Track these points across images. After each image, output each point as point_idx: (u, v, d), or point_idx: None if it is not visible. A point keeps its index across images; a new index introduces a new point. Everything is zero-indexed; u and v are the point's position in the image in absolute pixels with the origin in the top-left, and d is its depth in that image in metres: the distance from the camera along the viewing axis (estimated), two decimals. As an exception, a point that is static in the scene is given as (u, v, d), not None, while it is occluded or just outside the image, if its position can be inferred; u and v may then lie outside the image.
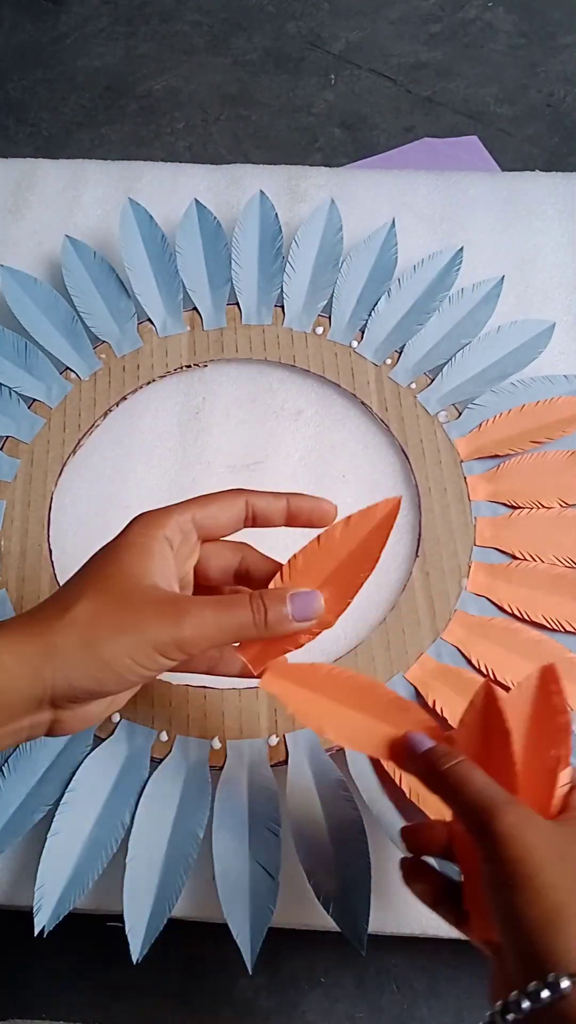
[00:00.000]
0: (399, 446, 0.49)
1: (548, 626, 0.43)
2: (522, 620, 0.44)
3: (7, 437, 0.50)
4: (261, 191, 0.57)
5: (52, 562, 0.46)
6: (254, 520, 0.34)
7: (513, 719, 0.31)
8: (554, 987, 0.23)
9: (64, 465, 0.49)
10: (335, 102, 0.85)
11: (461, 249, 0.55)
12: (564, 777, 0.30)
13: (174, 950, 0.37)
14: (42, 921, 0.37)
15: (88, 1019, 0.44)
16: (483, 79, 0.85)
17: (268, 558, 0.35)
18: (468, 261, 0.55)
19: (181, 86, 0.87)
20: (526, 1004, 0.24)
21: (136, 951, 0.36)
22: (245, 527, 0.34)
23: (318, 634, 0.32)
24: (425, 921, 0.39)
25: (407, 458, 0.49)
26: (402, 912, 0.38)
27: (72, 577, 0.31)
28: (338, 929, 0.37)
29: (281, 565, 0.34)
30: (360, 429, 0.51)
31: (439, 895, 0.31)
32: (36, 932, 0.36)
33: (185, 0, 0.93)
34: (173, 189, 0.59)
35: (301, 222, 0.57)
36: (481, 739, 0.31)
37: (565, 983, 0.23)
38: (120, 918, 0.37)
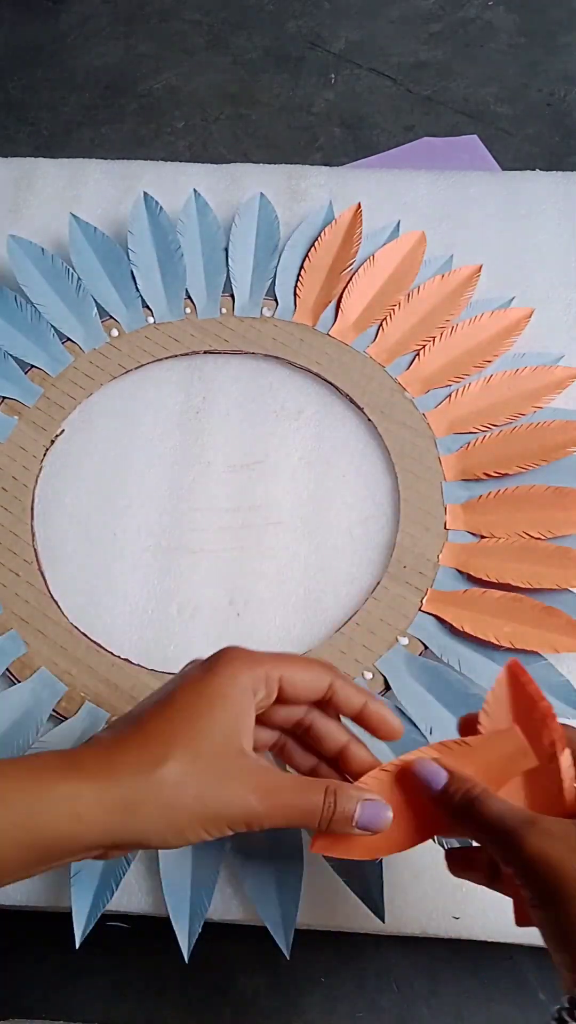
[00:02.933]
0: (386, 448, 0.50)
1: (521, 587, 0.44)
2: (494, 585, 0.44)
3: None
4: (262, 194, 0.57)
5: (36, 550, 0.46)
6: (327, 703, 0.33)
7: (498, 726, 0.31)
8: None
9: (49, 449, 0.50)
10: (335, 101, 0.84)
11: (480, 267, 0.55)
12: (566, 761, 0.30)
13: (174, 950, 0.37)
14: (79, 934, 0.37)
15: (88, 1019, 0.44)
16: (483, 78, 0.85)
17: (359, 691, 0.33)
18: (468, 260, 0.55)
19: (181, 85, 0.86)
20: None
21: (186, 950, 0.37)
22: (318, 707, 0.33)
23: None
24: (425, 921, 0.39)
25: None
26: (402, 912, 0.38)
27: (154, 711, 0.30)
28: (339, 929, 0.37)
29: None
30: (358, 428, 0.51)
31: (493, 876, 0.32)
32: (77, 945, 0.36)
33: (185, -1, 0.93)
34: (173, 188, 0.59)
35: (301, 220, 0.57)
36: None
37: None
38: (121, 918, 0.37)
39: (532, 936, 0.38)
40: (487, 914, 0.39)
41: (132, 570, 0.47)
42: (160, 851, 0.38)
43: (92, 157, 0.64)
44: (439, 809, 0.30)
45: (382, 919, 0.37)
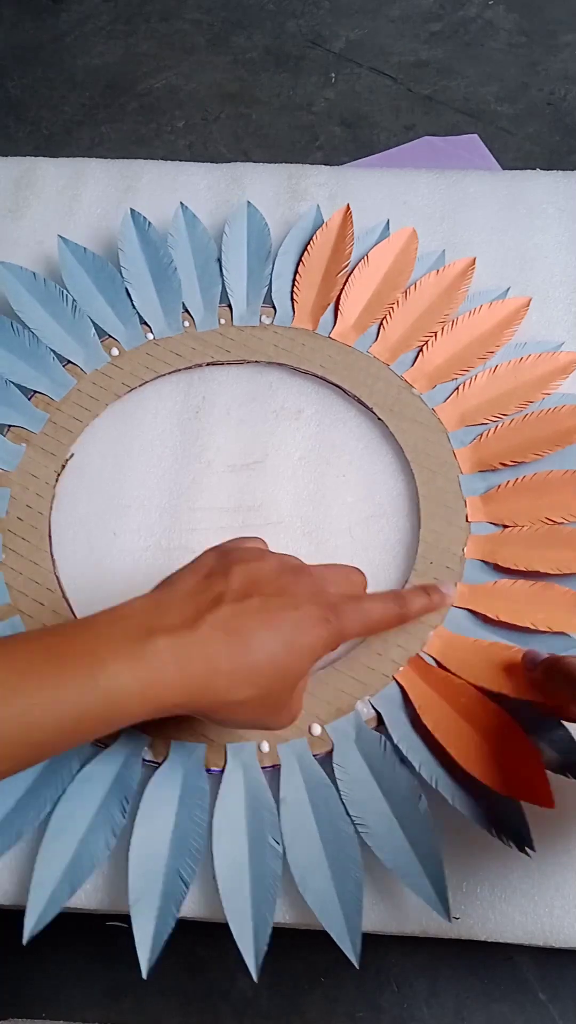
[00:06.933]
0: (397, 445, 0.50)
1: (550, 573, 0.44)
2: (522, 573, 0.44)
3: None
4: (249, 202, 0.57)
5: (55, 570, 0.46)
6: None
7: None
8: None
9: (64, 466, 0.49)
10: (335, 100, 0.84)
11: (473, 260, 0.55)
12: None
13: (174, 950, 0.37)
14: (29, 929, 0.37)
15: (88, 1019, 0.44)
16: (483, 77, 0.85)
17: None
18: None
19: (181, 84, 0.86)
20: None
21: (254, 970, 0.36)
22: None
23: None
24: (425, 921, 0.39)
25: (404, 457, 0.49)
26: (402, 912, 0.38)
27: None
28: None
29: None
30: (360, 428, 0.51)
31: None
32: (24, 940, 0.36)
33: (185, -2, 0.93)
34: (173, 188, 0.59)
35: (293, 224, 0.57)
36: None
37: None
38: (120, 918, 0.37)
39: (532, 936, 0.38)
40: (487, 914, 0.39)
41: (132, 570, 0.47)
42: (216, 864, 0.37)
43: (92, 156, 0.64)
44: (530, 674, 0.40)
45: (448, 918, 0.37)
